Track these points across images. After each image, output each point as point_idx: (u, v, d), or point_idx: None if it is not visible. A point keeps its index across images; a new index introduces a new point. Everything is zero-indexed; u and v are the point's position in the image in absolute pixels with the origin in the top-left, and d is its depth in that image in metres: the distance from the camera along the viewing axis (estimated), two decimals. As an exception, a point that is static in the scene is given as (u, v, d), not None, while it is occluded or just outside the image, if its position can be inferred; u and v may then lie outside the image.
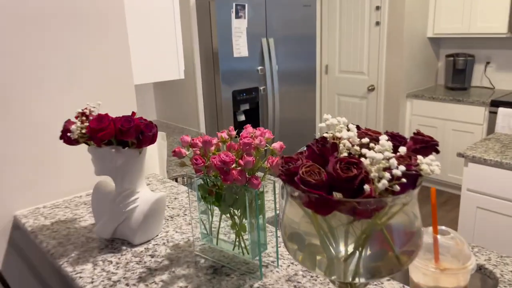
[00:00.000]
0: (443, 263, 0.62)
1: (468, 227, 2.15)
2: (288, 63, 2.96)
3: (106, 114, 0.94)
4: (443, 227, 0.64)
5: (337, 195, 0.54)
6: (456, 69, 3.58)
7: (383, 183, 0.47)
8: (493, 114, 3.11)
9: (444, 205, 3.40)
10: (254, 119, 2.87)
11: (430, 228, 0.64)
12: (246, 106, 2.79)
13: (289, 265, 0.91)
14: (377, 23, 3.57)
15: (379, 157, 0.48)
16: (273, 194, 0.89)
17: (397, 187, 0.47)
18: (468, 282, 0.64)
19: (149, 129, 0.95)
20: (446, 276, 0.61)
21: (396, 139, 0.59)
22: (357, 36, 3.73)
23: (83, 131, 0.95)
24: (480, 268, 1.17)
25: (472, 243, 1.88)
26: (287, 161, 0.56)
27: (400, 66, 3.52)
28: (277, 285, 0.84)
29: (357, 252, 0.54)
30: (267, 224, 1.03)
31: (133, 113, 0.97)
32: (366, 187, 0.49)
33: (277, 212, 1.04)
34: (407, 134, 3.66)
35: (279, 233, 0.95)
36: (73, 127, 0.95)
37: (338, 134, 0.56)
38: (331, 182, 0.51)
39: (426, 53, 3.74)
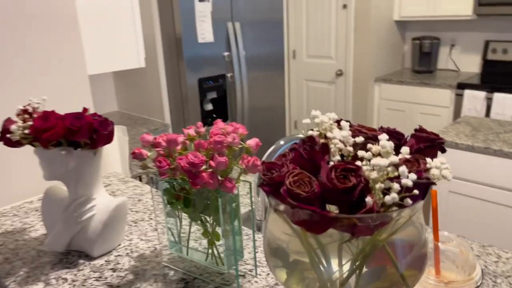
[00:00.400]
0: (447, 274, 0.55)
1: (441, 212, 2.15)
2: (255, 48, 2.85)
3: (53, 111, 0.82)
4: (446, 233, 0.57)
5: (331, 208, 0.45)
6: (422, 52, 3.58)
7: (392, 197, 0.38)
8: (459, 96, 3.13)
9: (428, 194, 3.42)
10: (222, 108, 2.75)
11: (430, 235, 0.57)
12: (213, 95, 2.67)
13: (268, 273, 0.82)
14: (344, 6, 3.50)
15: (384, 163, 0.40)
16: (249, 194, 0.80)
17: (409, 201, 0.39)
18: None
19: (104, 127, 0.83)
20: (451, 290, 0.54)
21: (394, 137, 0.51)
22: (324, 19, 3.66)
23: (26, 131, 0.82)
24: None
25: (445, 229, 1.86)
26: (270, 167, 0.46)
27: (368, 49, 3.48)
28: (257, 298, 0.75)
29: (355, 275, 0.45)
30: (242, 227, 0.94)
31: (85, 109, 0.84)
32: (369, 199, 0.40)
33: (254, 210, 0.95)
34: (376, 118, 3.65)
35: (256, 236, 0.86)
36: (13, 127, 0.81)
37: (329, 134, 0.47)
38: (325, 194, 0.42)
39: (393, 36, 3.71)
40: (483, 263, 1.11)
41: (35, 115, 0.83)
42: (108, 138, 0.85)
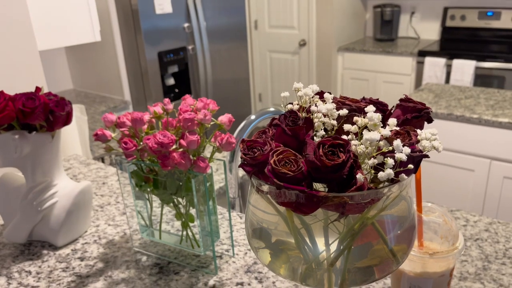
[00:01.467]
0: (431, 245, 0.55)
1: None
2: (216, 19, 2.75)
3: (1, 92, 0.74)
4: (429, 204, 0.56)
5: (317, 186, 0.42)
6: (383, 20, 3.59)
7: (388, 173, 0.35)
8: (420, 64, 3.18)
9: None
10: (184, 82, 2.67)
11: (413, 207, 0.55)
12: (174, 69, 2.57)
13: (246, 253, 0.80)
14: (305, -26, 3.43)
15: (376, 137, 0.37)
16: (224, 173, 0.76)
17: (404, 176, 0.36)
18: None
19: (61, 107, 0.76)
20: (436, 261, 0.53)
21: (378, 108, 0.48)
22: (286, -12, 3.58)
23: (-28, 115, 0.74)
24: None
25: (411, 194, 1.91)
26: (251, 145, 0.43)
27: (330, 18, 3.45)
28: (236, 279, 0.73)
29: (343, 254, 0.43)
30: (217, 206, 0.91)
31: (38, 89, 0.77)
32: (360, 176, 0.38)
33: (228, 188, 0.92)
34: (339, 88, 3.66)
35: (232, 215, 0.82)
36: (-44, 111, 0.73)
37: (313, 108, 0.44)
38: (313, 173, 0.39)
39: (354, 4, 3.69)
40: (452, 227, 1.13)
41: (-20, 97, 0.75)
42: (66, 120, 0.78)
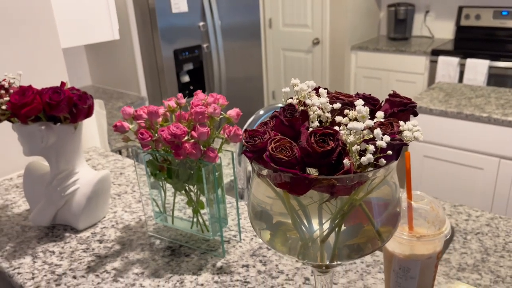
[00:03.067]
0: (419, 230, 0.59)
1: (416, 176, 2.23)
2: (230, 18, 2.81)
3: (30, 86, 0.81)
4: (418, 192, 0.61)
5: (311, 171, 0.47)
6: (397, 19, 3.60)
7: (368, 158, 0.40)
8: (434, 63, 3.19)
9: (402, 156, 3.51)
10: (199, 79, 2.73)
11: (404, 194, 0.60)
12: (189, 66, 2.64)
13: (252, 238, 0.86)
14: (320, -27, 3.46)
15: (360, 126, 0.42)
16: (232, 164, 0.82)
17: (383, 161, 0.41)
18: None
19: (84, 101, 0.82)
20: (423, 243, 0.58)
21: (369, 102, 0.53)
22: (300, -13, 3.62)
23: (3, 107, 0.81)
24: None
25: (420, 191, 1.93)
26: (252, 135, 0.48)
27: (344, 17, 3.48)
28: (242, 261, 0.79)
29: (334, 232, 0.48)
30: (226, 196, 0.96)
31: (63, 83, 0.84)
32: (346, 161, 0.43)
33: (236, 179, 0.98)
34: (352, 87, 3.69)
35: (239, 204, 0.88)
36: (-11, 103, 0.80)
37: (308, 101, 0.49)
38: (305, 158, 0.44)
39: (368, 3, 3.71)
40: (454, 222, 1.17)
41: (11, 91, 0.82)
42: (88, 112, 0.85)
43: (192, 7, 2.54)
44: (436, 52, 3.17)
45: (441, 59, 3.11)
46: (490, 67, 2.96)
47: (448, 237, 0.58)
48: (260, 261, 0.79)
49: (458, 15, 3.45)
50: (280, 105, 1.05)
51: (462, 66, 3.06)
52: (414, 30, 3.72)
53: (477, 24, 3.38)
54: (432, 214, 0.59)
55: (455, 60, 3.05)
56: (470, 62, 3.00)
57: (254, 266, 0.77)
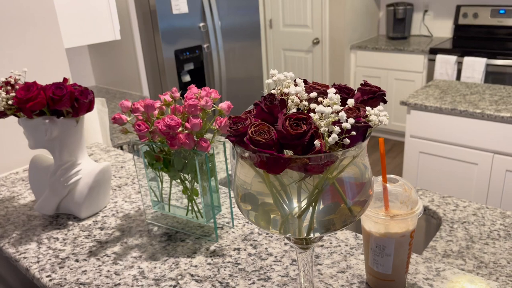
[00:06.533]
0: (393, 210, 0.64)
1: (412, 172, 2.27)
2: (231, 18, 2.86)
3: (34, 82, 0.86)
4: (392, 175, 0.65)
5: (288, 153, 0.52)
6: (396, 18, 3.64)
7: (333, 138, 0.45)
8: (432, 61, 3.23)
9: (389, 152, 3.55)
10: (199, 79, 2.79)
11: (380, 177, 0.65)
12: (190, 66, 2.70)
13: (244, 225, 0.91)
14: (319, -26, 3.51)
15: (328, 111, 0.47)
16: (224, 154, 0.87)
17: (347, 141, 0.46)
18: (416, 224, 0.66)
19: (85, 95, 0.88)
20: (396, 222, 0.62)
21: (344, 91, 0.58)
22: (299, -12, 3.67)
23: (10, 102, 0.86)
24: (424, 210, 1.24)
25: (417, 187, 1.97)
26: (235, 121, 0.53)
27: (343, 17, 3.52)
28: (234, 245, 0.84)
29: (311, 208, 0.53)
30: (220, 186, 1.02)
31: (65, 79, 0.89)
32: (317, 142, 0.48)
33: (229, 172, 1.03)
34: (352, 85, 3.72)
35: (232, 194, 0.93)
36: (-3, 98, 0.86)
37: (285, 90, 0.54)
38: (281, 140, 0.49)
39: (367, 3, 3.76)
40: (442, 212, 1.22)
41: (17, 87, 0.88)
42: (89, 107, 0.90)
43: (193, 8, 2.60)
44: (434, 51, 3.21)
45: (439, 57, 3.15)
46: (488, 65, 3.00)
47: (420, 216, 0.63)
48: (251, 244, 0.83)
49: (456, 14, 3.49)
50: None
51: (459, 64, 3.10)
52: (412, 29, 3.77)
53: (475, 23, 3.42)
54: (405, 195, 0.63)
55: (452, 58, 3.09)
56: (468, 60, 3.03)
57: (245, 249, 0.82)
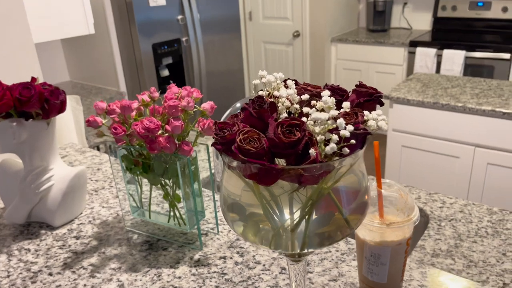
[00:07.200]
0: (388, 217, 0.61)
1: (395, 166, 2.27)
2: (209, 10, 2.79)
3: (-1, 82, 0.79)
4: (387, 180, 0.62)
5: (280, 162, 0.48)
6: (376, 11, 3.63)
7: (331, 147, 0.41)
8: (412, 54, 3.23)
9: (371, 146, 3.56)
10: (178, 73, 2.72)
11: (374, 183, 0.61)
12: (169, 60, 2.62)
13: (229, 230, 0.86)
14: (298, -34, 3.46)
15: (324, 117, 0.43)
16: (206, 152, 0.82)
17: (347, 150, 0.42)
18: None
19: (56, 96, 0.81)
20: (392, 230, 0.59)
21: (337, 93, 0.54)
22: (279, -21, 3.61)
23: (-28, 104, 0.79)
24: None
25: (399, 181, 1.97)
26: (222, 127, 0.49)
27: (324, 9, 3.49)
28: (219, 253, 0.79)
29: (304, 220, 0.49)
30: (203, 189, 0.97)
31: (33, 79, 0.82)
32: (312, 151, 0.43)
33: (213, 171, 0.98)
34: (333, 79, 3.71)
35: (216, 197, 0.89)
36: (-42, 100, 0.79)
37: (276, 93, 0.49)
38: (272, 149, 0.45)
39: (347, -5, 3.73)
40: (429, 209, 1.20)
41: (-20, 87, 0.81)
42: (61, 108, 0.84)
43: (170, 0, 2.51)
44: (414, 44, 3.21)
45: (419, 50, 3.15)
46: (467, 58, 3.02)
47: (416, 223, 0.60)
48: (237, 252, 0.79)
49: (435, 7, 3.50)
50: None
51: (439, 57, 3.11)
52: (392, 21, 3.76)
53: (454, 15, 3.44)
54: (401, 201, 0.60)
55: (432, 51, 3.10)
56: (447, 53, 3.05)
57: (231, 258, 0.78)
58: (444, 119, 2.03)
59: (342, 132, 0.42)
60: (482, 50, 3.00)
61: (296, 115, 0.52)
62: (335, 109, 0.47)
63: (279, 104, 0.51)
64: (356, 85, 0.53)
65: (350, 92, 0.54)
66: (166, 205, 0.86)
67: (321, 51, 3.63)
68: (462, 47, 3.02)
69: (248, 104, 0.51)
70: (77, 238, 0.87)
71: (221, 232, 0.86)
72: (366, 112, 0.46)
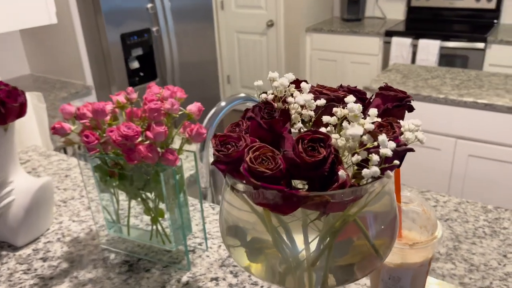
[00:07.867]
0: (409, 235, 0.54)
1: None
2: (181, -1, 2.65)
3: None
4: (408, 193, 0.55)
5: (295, 183, 0.40)
6: (350, 0, 3.58)
7: (374, 171, 0.33)
8: (387, 44, 3.20)
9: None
10: (149, 65, 2.57)
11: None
12: (138, 51, 2.48)
13: (220, 245, 0.77)
14: (272, -48, 3.35)
15: (359, 132, 0.34)
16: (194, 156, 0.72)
17: (390, 173, 0.34)
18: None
19: (13, 98, 0.69)
20: (415, 251, 0.52)
21: (356, 96, 0.46)
22: (252, -33, 3.49)
23: None
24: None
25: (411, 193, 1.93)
26: (223, 140, 0.39)
27: (298, -2, 3.40)
28: (210, 274, 0.70)
29: (325, 253, 0.41)
30: (188, 197, 0.87)
31: (-14, 78, 0.70)
32: (342, 173, 0.35)
33: (198, 177, 0.88)
34: (308, 69, 3.65)
35: (204, 206, 0.79)
36: None
37: (290, 99, 0.40)
38: (291, 170, 0.36)
39: (321, -16, 3.66)
40: (423, 208, 1.15)
41: None
42: (20, 111, 0.72)
43: (139, -13, 2.36)
44: (389, 33, 3.18)
45: (394, 40, 3.13)
46: (441, 47, 3.01)
47: (442, 241, 0.53)
48: (231, 272, 0.71)
49: (409, -4, 3.48)
50: (243, 94, 0.96)
51: (414, 47, 3.09)
52: (366, 11, 3.72)
53: (427, 5, 3.43)
54: (424, 217, 0.53)
55: (407, 41, 3.08)
56: (422, 42, 3.03)
57: (224, 279, 0.69)
58: (425, 111, 2.00)
59: (383, 151, 0.33)
60: (456, 40, 3.00)
61: (311, 123, 0.44)
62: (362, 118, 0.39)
63: (292, 112, 0.42)
64: (381, 88, 0.45)
65: (372, 96, 0.46)
66: (147, 217, 0.76)
67: (295, 41, 3.55)
68: (437, 37, 3.00)
69: (255, 112, 0.42)
70: (44, 260, 0.76)
71: (211, 248, 0.77)
72: (401, 122, 0.38)
